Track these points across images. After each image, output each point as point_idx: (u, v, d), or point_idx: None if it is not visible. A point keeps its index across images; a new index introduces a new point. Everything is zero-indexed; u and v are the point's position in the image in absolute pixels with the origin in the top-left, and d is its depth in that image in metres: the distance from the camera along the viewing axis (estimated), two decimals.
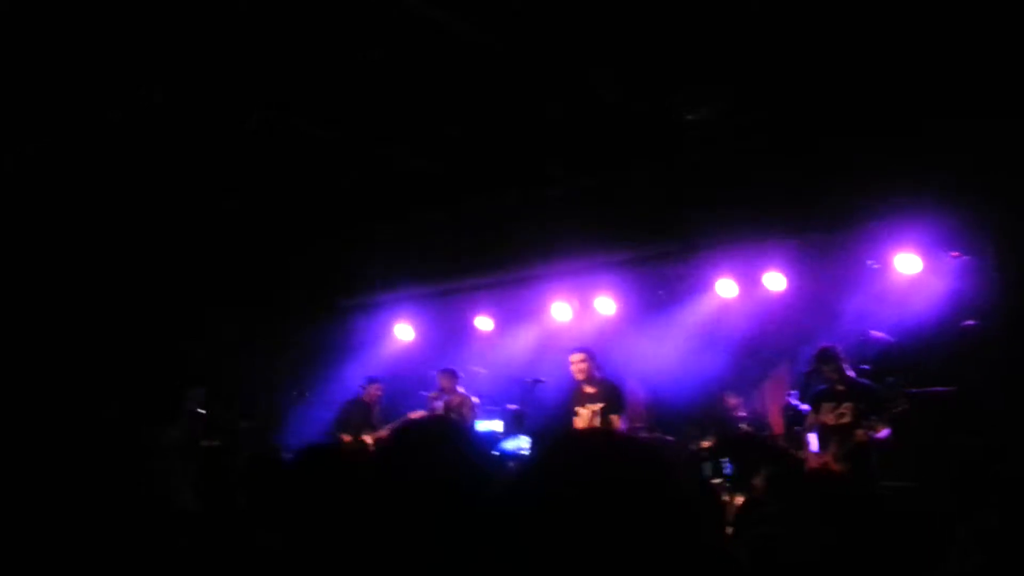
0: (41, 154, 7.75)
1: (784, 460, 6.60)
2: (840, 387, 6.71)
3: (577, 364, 7.42)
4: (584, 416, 7.27)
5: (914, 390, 6.61)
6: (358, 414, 9.38)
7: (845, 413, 6.57)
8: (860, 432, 6.36)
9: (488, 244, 9.69)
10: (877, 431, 6.28)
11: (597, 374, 7.42)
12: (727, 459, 7.17)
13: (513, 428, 9.28)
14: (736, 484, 6.65)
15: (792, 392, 8.12)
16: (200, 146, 7.94)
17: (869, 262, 8.00)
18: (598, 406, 7.20)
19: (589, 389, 7.37)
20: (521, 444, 9.01)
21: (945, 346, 7.31)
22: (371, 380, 9.84)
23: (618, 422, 7.14)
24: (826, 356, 6.79)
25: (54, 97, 6.97)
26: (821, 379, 6.90)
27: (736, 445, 7.23)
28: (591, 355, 7.47)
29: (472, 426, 8.85)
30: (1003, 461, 5.87)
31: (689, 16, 6.05)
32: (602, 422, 7.07)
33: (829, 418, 6.65)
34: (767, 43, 6.34)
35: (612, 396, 7.25)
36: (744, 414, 8.53)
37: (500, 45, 6.40)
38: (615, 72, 6.83)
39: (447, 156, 8.41)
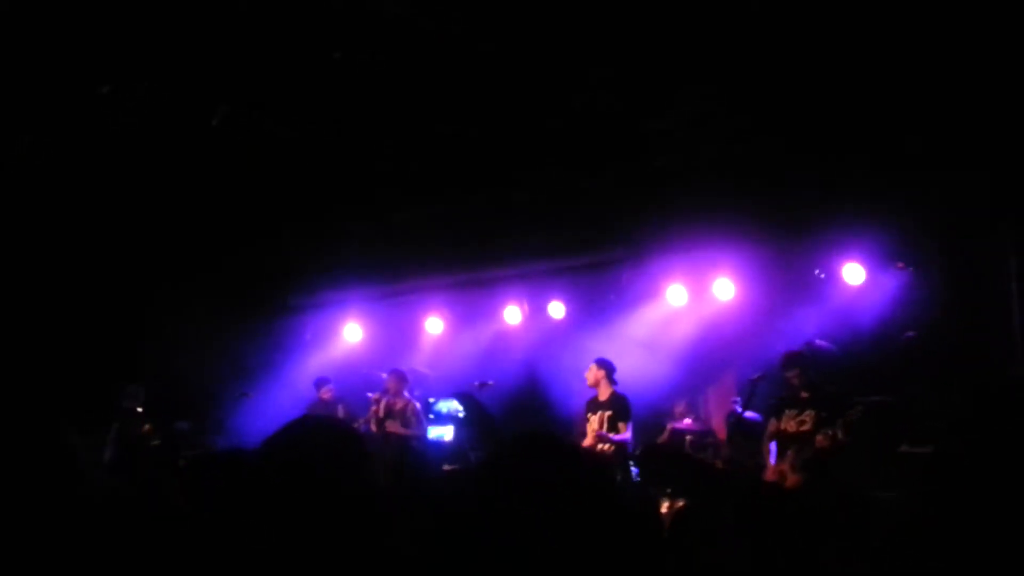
0: None
1: (704, 475, 6.58)
2: (804, 394, 6.63)
3: (592, 372, 7.85)
4: (593, 421, 7.74)
5: (856, 399, 6.65)
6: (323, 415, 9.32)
7: (806, 421, 6.50)
8: (820, 438, 6.26)
9: (441, 246, 9.62)
10: (838, 439, 6.22)
11: (609, 384, 7.80)
12: (635, 465, 7.24)
13: (463, 432, 9.33)
14: (676, 491, 6.64)
15: (736, 399, 8.17)
16: (153, 140, 7.75)
17: (816, 271, 8.10)
18: (607, 413, 7.60)
19: (602, 397, 7.83)
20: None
21: (887, 356, 7.41)
22: (322, 381, 9.76)
23: (625, 428, 7.52)
24: (790, 361, 6.70)
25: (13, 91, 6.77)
26: (784, 385, 6.82)
27: (648, 455, 7.32)
28: (605, 366, 7.86)
29: (419, 433, 8.83)
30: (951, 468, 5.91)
31: (651, 27, 6.05)
32: (609, 428, 7.49)
33: (790, 425, 6.57)
34: (727, 57, 6.38)
35: (619, 406, 7.65)
36: (689, 421, 8.56)
37: (466, 47, 6.34)
38: (579, 79, 6.82)
39: (403, 158, 8.33)
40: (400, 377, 9.02)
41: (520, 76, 6.76)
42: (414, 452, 8.68)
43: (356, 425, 8.41)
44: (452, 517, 1.43)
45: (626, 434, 7.56)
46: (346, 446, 1.73)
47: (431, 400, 9.82)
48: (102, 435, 8.53)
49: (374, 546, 1.68)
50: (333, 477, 1.65)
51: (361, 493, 1.66)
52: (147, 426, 8.86)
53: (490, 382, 8.54)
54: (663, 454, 7.39)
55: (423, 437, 9.05)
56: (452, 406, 9.46)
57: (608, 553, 1.37)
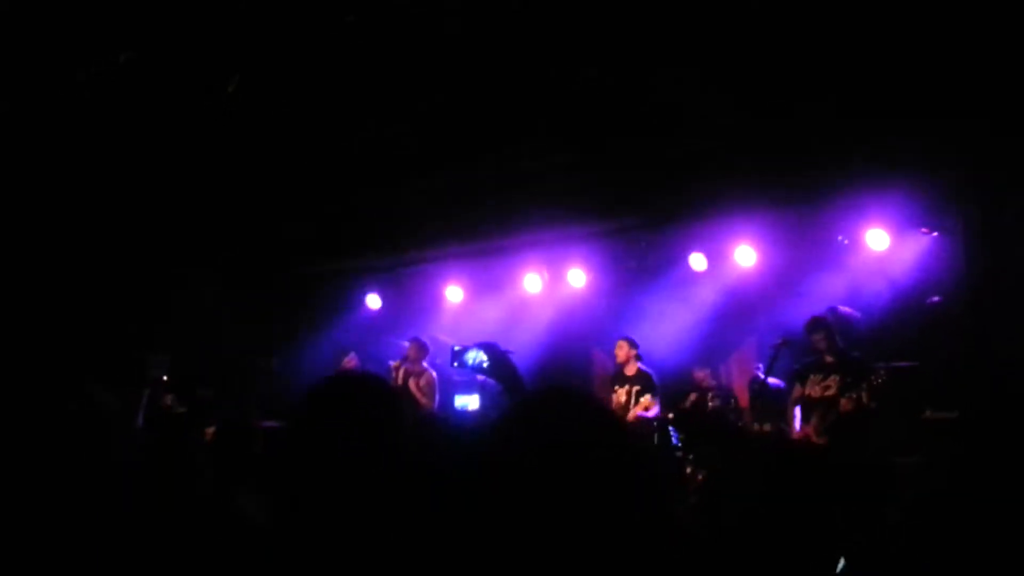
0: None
1: (735, 435, 6.63)
2: (829, 359, 6.66)
3: (624, 349, 8.29)
4: (621, 394, 8.16)
5: (880, 365, 6.63)
6: None
7: (831, 386, 6.53)
8: (844, 402, 6.31)
9: (460, 214, 9.60)
10: (862, 403, 6.26)
11: (636, 361, 8.25)
12: (674, 428, 7.33)
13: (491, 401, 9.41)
14: (699, 458, 6.68)
15: (758, 365, 8.15)
16: (167, 110, 7.75)
17: (839, 238, 8.03)
18: (636, 388, 8.09)
19: (629, 372, 8.26)
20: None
21: (911, 322, 7.36)
22: (344, 350, 9.80)
23: (654, 403, 7.96)
24: (816, 325, 6.73)
25: (15, 57, 6.76)
26: (809, 350, 6.84)
27: (686, 416, 7.46)
28: (633, 344, 8.31)
29: (431, 402, 8.84)
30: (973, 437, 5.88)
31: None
32: (635, 401, 7.98)
33: (815, 391, 6.60)
34: (744, 20, 6.28)
35: (646, 381, 8.14)
36: (712, 388, 8.55)
37: (479, 15, 6.28)
38: (594, 51, 6.74)
39: (421, 125, 8.29)
40: (421, 346, 9.03)
41: (538, 47, 6.70)
42: (423, 419, 8.71)
43: None
44: (470, 472, 1.42)
45: (656, 409, 8.01)
46: (382, 401, 1.71)
47: (456, 348, 9.75)
48: (132, 403, 8.64)
49: (402, 510, 1.66)
50: (369, 433, 1.63)
51: (395, 454, 1.64)
52: (170, 397, 8.95)
53: (512, 350, 8.56)
54: (697, 417, 7.48)
55: (435, 408, 9.06)
56: (478, 356, 9.43)
57: (633, 514, 1.36)
